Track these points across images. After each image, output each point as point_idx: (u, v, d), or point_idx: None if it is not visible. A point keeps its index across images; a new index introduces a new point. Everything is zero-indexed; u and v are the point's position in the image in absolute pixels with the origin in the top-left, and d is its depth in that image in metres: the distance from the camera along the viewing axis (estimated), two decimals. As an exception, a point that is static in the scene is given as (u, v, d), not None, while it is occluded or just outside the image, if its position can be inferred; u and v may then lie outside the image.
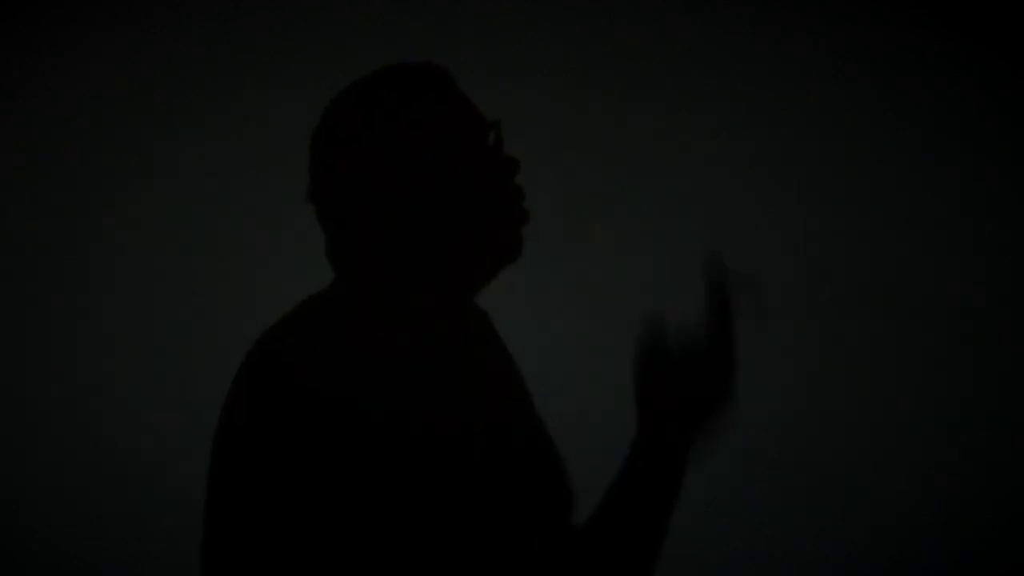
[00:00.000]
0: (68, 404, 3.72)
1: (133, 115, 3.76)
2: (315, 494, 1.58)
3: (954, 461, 3.79)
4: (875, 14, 3.81)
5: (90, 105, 3.75)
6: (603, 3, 3.80)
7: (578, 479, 1.76)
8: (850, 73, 3.82)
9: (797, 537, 3.76)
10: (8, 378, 3.73)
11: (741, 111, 3.82)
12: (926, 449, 3.80)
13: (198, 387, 3.67)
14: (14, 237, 3.75)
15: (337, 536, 1.59)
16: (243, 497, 1.63)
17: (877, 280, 3.82)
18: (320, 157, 1.76)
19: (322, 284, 1.79)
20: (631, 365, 1.74)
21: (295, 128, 3.62)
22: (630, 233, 3.81)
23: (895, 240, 3.83)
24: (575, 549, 1.66)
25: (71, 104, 3.75)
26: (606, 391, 3.74)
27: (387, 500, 1.58)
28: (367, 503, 1.58)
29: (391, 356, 1.63)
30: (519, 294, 3.69)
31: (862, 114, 3.82)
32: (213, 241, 3.75)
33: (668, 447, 1.68)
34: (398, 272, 1.73)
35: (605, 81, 3.80)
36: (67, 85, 3.75)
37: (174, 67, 3.76)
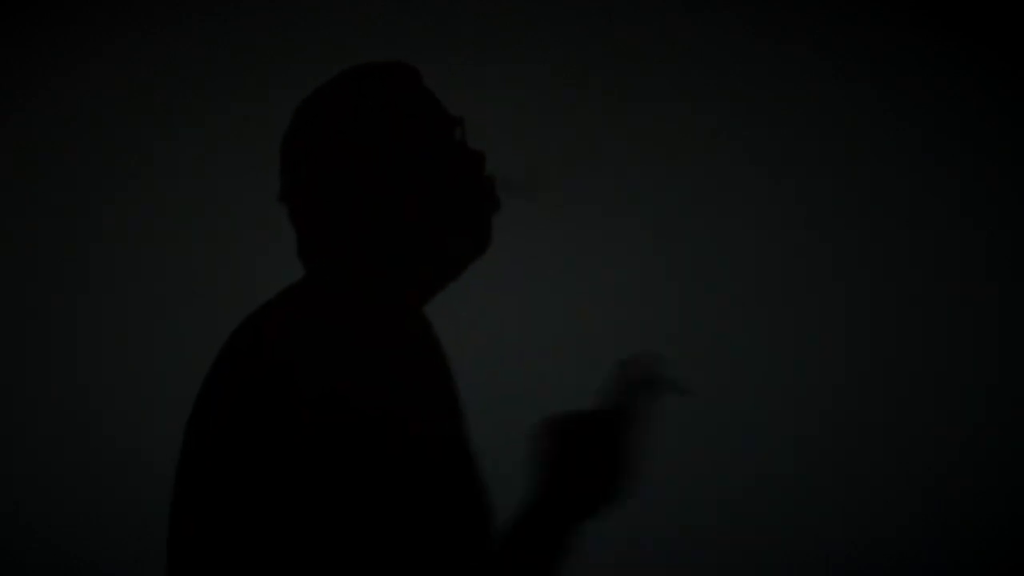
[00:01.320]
0: (68, 404, 3.72)
1: (133, 115, 3.76)
2: (287, 489, 1.59)
3: (954, 460, 3.79)
4: (875, 14, 3.81)
5: (90, 105, 3.75)
6: (603, 3, 3.80)
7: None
8: (850, 73, 3.82)
9: (797, 538, 3.76)
10: (8, 378, 3.73)
11: (741, 111, 3.82)
12: (924, 450, 3.80)
13: (198, 387, 3.67)
14: (14, 237, 3.75)
15: (309, 530, 1.59)
16: (214, 491, 1.63)
17: (877, 280, 3.82)
18: (291, 158, 1.79)
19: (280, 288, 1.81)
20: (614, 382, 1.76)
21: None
22: (630, 233, 3.80)
23: (895, 240, 3.83)
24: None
25: (71, 104, 3.75)
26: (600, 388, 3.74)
27: (360, 493, 1.59)
28: (339, 497, 1.59)
29: (359, 351, 1.65)
30: (516, 294, 3.69)
31: (862, 114, 3.82)
32: (213, 241, 3.75)
33: (552, 510, 1.69)
34: (366, 268, 1.74)
35: (605, 81, 3.80)
36: (67, 85, 3.75)
37: (174, 67, 3.76)
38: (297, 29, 3.76)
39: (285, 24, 3.76)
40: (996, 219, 3.83)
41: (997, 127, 3.82)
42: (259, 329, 1.71)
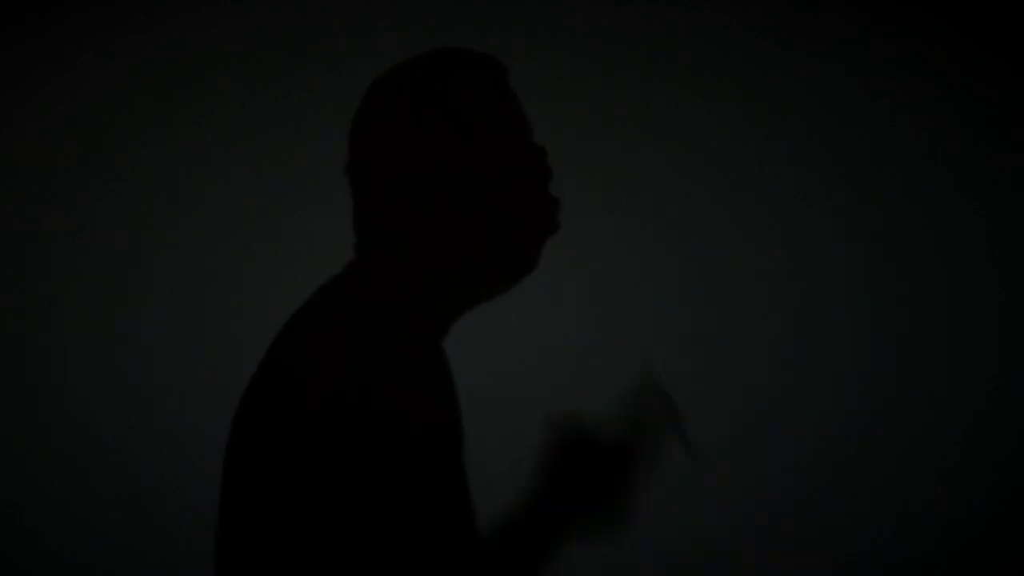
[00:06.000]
0: (68, 404, 3.72)
1: (133, 115, 3.76)
2: (330, 498, 1.58)
3: (955, 461, 3.79)
4: (875, 14, 3.81)
5: (90, 105, 3.75)
6: (603, 3, 3.80)
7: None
8: (850, 73, 3.82)
9: (797, 538, 3.76)
10: (8, 378, 3.73)
11: (741, 111, 3.82)
12: (924, 450, 3.80)
13: (198, 387, 3.67)
14: (14, 237, 3.75)
15: (349, 537, 1.59)
16: (259, 500, 1.62)
17: (877, 279, 3.82)
18: (361, 131, 1.74)
19: (320, 283, 1.79)
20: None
21: (295, 128, 3.63)
22: (630, 233, 3.81)
23: (895, 239, 3.83)
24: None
25: (71, 104, 3.75)
26: (601, 392, 3.74)
27: (395, 502, 1.58)
28: (377, 506, 1.58)
29: (403, 363, 1.63)
30: (517, 294, 3.69)
31: (862, 114, 3.82)
32: (214, 241, 3.75)
33: (546, 518, 1.69)
34: (417, 261, 1.72)
35: (605, 81, 3.80)
36: (67, 85, 3.75)
37: (174, 67, 3.76)
38: (297, 29, 3.76)
39: (285, 24, 3.77)
40: (996, 218, 3.83)
41: (997, 127, 3.82)
42: (299, 342, 1.69)
